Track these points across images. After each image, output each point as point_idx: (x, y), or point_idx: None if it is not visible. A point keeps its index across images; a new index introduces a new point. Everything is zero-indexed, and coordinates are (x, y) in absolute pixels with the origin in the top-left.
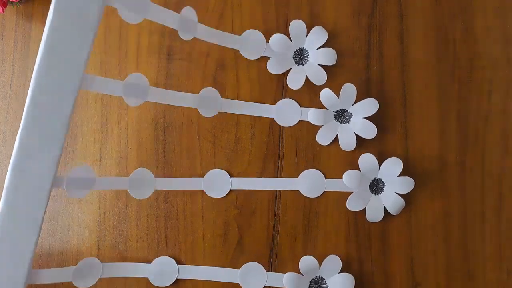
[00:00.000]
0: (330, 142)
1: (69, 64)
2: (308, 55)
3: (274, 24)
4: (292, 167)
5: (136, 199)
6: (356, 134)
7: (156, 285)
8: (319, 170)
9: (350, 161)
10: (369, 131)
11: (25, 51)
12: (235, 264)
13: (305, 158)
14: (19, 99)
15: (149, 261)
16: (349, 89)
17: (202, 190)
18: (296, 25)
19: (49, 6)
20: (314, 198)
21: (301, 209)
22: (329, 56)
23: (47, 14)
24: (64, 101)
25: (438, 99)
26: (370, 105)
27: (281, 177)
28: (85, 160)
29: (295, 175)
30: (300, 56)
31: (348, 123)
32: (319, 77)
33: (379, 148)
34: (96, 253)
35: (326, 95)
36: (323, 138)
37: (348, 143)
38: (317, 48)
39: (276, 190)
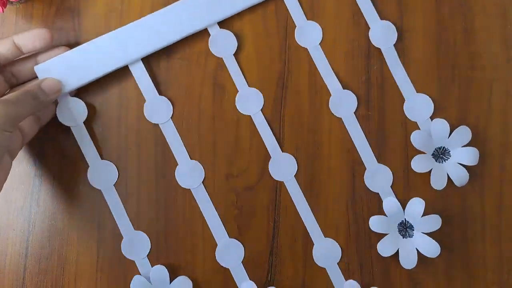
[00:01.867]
0: (391, 255)
1: None
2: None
3: (274, 23)
4: None
5: (135, 199)
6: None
7: None
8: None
9: (351, 162)
10: (432, 250)
11: None
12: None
13: (305, 157)
14: None
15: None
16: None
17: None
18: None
19: (49, 6)
20: (313, 198)
21: None
22: (473, 157)
23: (47, 14)
24: None
25: (438, 99)
26: (435, 221)
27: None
28: (84, 160)
29: (295, 175)
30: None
31: (411, 237)
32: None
33: (379, 148)
34: (96, 253)
35: (391, 204)
36: (384, 250)
37: (409, 260)
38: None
39: (277, 190)
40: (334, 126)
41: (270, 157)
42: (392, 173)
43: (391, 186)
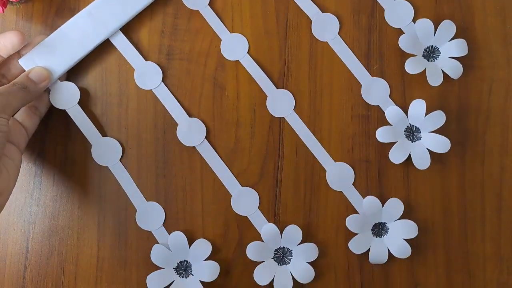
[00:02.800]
0: (403, 161)
1: None
2: (439, 50)
3: (274, 24)
4: (292, 167)
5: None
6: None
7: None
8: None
9: (351, 163)
10: (442, 146)
11: None
12: (235, 264)
13: (305, 157)
14: None
15: (148, 263)
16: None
17: (202, 191)
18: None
19: (49, 6)
20: (314, 198)
21: (301, 210)
22: (462, 47)
23: (47, 14)
24: None
25: (438, 99)
26: (439, 117)
27: (281, 177)
28: (84, 160)
29: (295, 175)
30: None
31: (420, 139)
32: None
33: (378, 148)
34: (96, 253)
35: (393, 112)
36: (396, 157)
37: (422, 161)
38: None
39: (276, 190)
40: (335, 124)
41: (269, 154)
42: (389, 85)
43: (390, 97)
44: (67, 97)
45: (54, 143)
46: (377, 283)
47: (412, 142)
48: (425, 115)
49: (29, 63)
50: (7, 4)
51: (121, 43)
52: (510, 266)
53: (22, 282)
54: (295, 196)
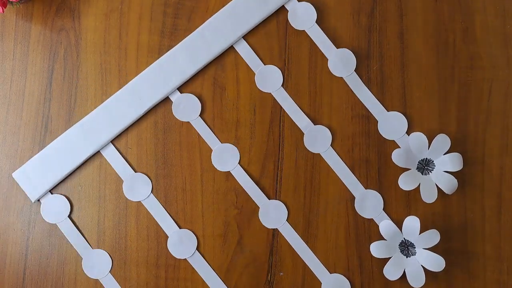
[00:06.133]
0: (399, 277)
1: None
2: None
3: (274, 23)
4: (292, 167)
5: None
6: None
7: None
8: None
9: (350, 160)
10: (437, 264)
11: (25, 51)
12: (235, 263)
13: (305, 158)
14: (19, 99)
15: (149, 262)
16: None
17: (202, 191)
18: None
19: (49, 6)
20: (314, 198)
21: (301, 209)
22: (457, 162)
23: (47, 14)
24: None
25: (438, 99)
26: (433, 236)
27: (281, 177)
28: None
29: (295, 175)
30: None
31: (414, 255)
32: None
33: (378, 148)
34: None
35: (387, 227)
36: (391, 274)
37: (417, 279)
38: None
39: (276, 190)
40: (334, 129)
41: (269, 154)
42: (383, 196)
43: (384, 210)
44: (57, 211)
45: None
46: (377, 283)
47: (406, 257)
48: (421, 231)
49: (22, 176)
50: (7, 4)
51: (111, 156)
52: (510, 266)
53: (22, 282)
54: (295, 196)
